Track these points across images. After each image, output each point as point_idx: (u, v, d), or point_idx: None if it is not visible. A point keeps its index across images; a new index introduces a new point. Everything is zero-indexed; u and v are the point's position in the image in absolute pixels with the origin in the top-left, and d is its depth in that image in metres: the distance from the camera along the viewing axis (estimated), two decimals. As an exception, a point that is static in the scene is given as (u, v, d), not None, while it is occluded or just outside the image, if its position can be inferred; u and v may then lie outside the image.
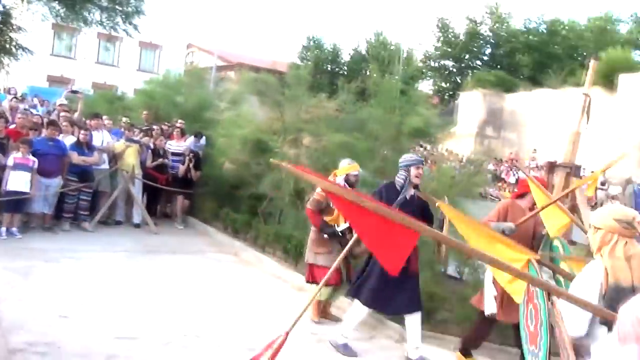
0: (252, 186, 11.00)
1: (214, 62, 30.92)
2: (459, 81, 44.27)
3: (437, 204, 5.44)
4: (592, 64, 16.85)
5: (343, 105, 10.31)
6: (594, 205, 24.95)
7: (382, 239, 3.27)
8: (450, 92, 45.36)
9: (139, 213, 11.85)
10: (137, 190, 11.89)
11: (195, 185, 12.64)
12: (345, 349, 6.07)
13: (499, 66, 43.19)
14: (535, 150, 30.90)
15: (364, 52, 46.16)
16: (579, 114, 16.11)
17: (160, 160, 12.28)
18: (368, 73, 10.10)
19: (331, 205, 6.72)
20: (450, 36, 46.23)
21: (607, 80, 27.07)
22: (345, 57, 48.65)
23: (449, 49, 46.09)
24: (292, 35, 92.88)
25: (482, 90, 34.60)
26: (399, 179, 6.23)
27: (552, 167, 15.69)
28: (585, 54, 39.29)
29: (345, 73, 43.20)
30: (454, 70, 47.28)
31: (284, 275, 9.07)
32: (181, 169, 12.34)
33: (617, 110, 26.64)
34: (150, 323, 6.34)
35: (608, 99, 27.02)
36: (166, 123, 14.20)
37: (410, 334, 6.07)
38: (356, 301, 6.16)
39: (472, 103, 34.75)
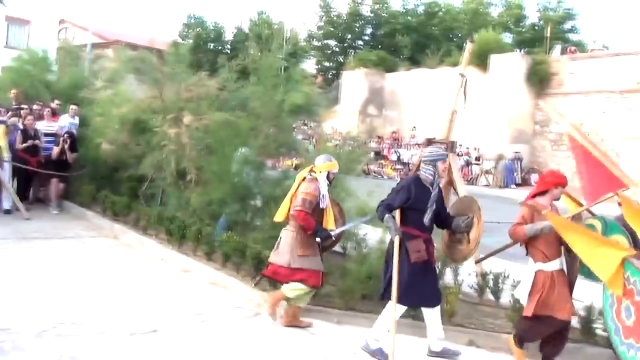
0: (132, 167, 10.68)
1: (89, 39, 29.46)
2: (342, 60, 44.90)
3: (543, 212, 5.51)
4: (469, 46, 17.71)
5: (225, 83, 10.18)
6: (469, 180, 26.43)
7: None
8: (334, 71, 45.96)
9: (8, 198, 11.19)
10: (6, 174, 11.23)
11: (71, 168, 12.10)
12: (382, 354, 5.77)
13: (380, 46, 44.31)
14: (414, 127, 32.08)
15: (247, 30, 45.71)
16: (455, 93, 16.93)
17: (31, 141, 11.61)
18: (251, 51, 9.89)
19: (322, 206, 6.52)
20: (333, 16, 46.73)
21: (480, 60, 28.49)
22: (229, 35, 48.03)
23: (332, 29, 46.63)
24: (171, 13, 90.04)
25: (364, 69, 35.33)
26: (426, 174, 5.95)
27: (429, 143, 16.49)
28: (460, 35, 41.10)
29: (229, 52, 42.63)
30: (337, 49, 47.91)
31: (168, 257, 8.92)
32: (55, 150, 11.75)
33: (489, 88, 28.16)
34: (23, 313, 6.05)
35: (481, 78, 28.49)
36: (39, 103, 13.44)
37: (432, 325, 6.00)
38: (389, 303, 5.83)
39: (354, 82, 35.42)
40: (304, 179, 6.62)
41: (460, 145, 25.55)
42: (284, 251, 6.44)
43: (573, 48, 32.42)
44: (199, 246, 8.69)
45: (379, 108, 35.71)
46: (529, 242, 5.79)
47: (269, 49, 9.27)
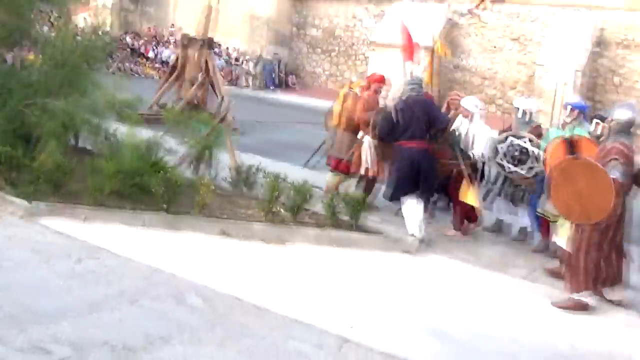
0: None
1: None
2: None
3: None
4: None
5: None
6: (230, 80, 26.46)
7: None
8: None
9: None
10: None
11: None
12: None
13: None
14: (173, 25, 30.90)
15: None
16: (213, -13, 16.38)
17: None
18: None
19: None
20: None
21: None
22: None
23: None
24: None
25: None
26: None
27: (188, 41, 16.11)
28: None
29: None
30: None
31: None
32: None
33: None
34: None
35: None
36: None
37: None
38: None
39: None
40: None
41: (220, 45, 25.32)
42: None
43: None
44: None
45: (135, 2, 33.56)
46: None
47: None
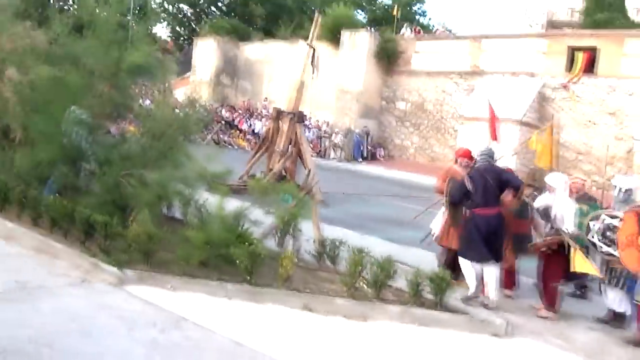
0: (-53, 125, 9.64)
1: None
2: (195, 27, 43.70)
3: None
4: (317, 17, 17.88)
5: (55, 36, 9.43)
6: (318, 152, 26.96)
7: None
8: (186, 38, 44.64)
9: None
10: None
11: None
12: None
13: (233, 14, 43.60)
14: (266, 98, 32.07)
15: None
16: (303, 65, 17.04)
17: None
18: (88, 6, 9.13)
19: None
20: (186, -20, 45.26)
21: (333, 35, 28.98)
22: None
23: (185, -7, 45.20)
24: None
25: (218, 37, 34.64)
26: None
27: (279, 114, 16.59)
28: (313, 8, 41.42)
29: (70, 9, 39.84)
30: (191, 15, 46.53)
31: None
32: None
33: (340, 64, 28.75)
34: None
35: (333, 53, 29.00)
36: None
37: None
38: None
39: (207, 50, 34.68)
40: None
41: (311, 117, 25.96)
42: None
43: (418, 29, 33.96)
44: (24, 211, 8.05)
45: (231, 77, 35.28)
46: None
47: (106, 3, 8.71)
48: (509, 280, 8.13)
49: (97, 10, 9.54)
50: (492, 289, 7.33)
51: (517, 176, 8.01)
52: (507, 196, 7.54)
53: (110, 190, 7.74)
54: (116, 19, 8.88)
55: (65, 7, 40.14)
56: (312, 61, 16.08)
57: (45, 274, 6.47)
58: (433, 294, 6.76)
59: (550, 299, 7.43)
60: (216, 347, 5.22)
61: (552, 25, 39.13)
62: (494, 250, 7.35)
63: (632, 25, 28.66)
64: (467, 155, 8.54)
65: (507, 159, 8.56)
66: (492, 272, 7.36)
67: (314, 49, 16.11)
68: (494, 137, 8.99)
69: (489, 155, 7.85)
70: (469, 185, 7.50)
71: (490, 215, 7.41)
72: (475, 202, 7.49)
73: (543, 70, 23.84)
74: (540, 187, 8.85)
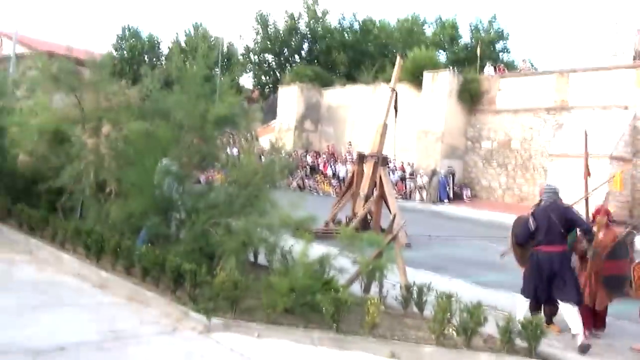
0: (51, 180, 10.24)
1: (12, 47, 28.44)
2: (279, 75, 44.86)
3: None
4: (398, 60, 17.92)
5: (147, 92, 9.92)
6: (403, 195, 26.74)
7: None
8: (271, 86, 45.86)
9: None
10: None
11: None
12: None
13: (316, 62, 44.54)
14: (350, 142, 32.28)
15: (182, 44, 45.17)
16: (385, 107, 17.06)
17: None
18: (177, 62, 9.62)
19: None
20: (270, 31, 46.74)
21: (415, 77, 29.00)
22: (165, 48, 47.30)
23: (269, 43, 46.62)
24: (107, 24, 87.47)
25: (301, 84, 35.39)
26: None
27: (362, 158, 16.60)
28: (395, 52, 41.75)
29: (164, 64, 41.94)
30: (274, 64, 47.86)
31: (84, 272, 8.54)
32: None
33: (423, 105, 28.65)
34: None
35: (415, 95, 28.97)
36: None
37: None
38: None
39: (291, 97, 35.43)
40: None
41: (394, 160, 25.84)
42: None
43: (502, 67, 33.42)
44: (118, 260, 8.38)
45: (315, 123, 35.82)
46: None
47: (194, 58, 9.09)
48: (599, 321, 7.79)
49: (186, 65, 9.96)
50: (574, 328, 7.07)
51: (580, 216, 7.86)
52: (580, 243, 7.62)
53: (197, 238, 7.94)
54: (203, 72, 9.23)
55: (157, 63, 42.41)
56: (394, 104, 16.07)
57: (137, 323, 6.66)
58: (526, 341, 6.46)
59: None
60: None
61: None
62: (558, 288, 7.23)
63: None
64: (606, 213, 8.22)
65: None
66: (565, 310, 7.19)
67: (395, 92, 16.12)
68: (589, 173, 8.57)
69: (554, 192, 7.71)
70: (532, 225, 7.44)
71: (553, 253, 7.30)
72: (538, 240, 7.42)
73: (636, 102, 22.81)
74: (637, 225, 8.39)
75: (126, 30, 46.76)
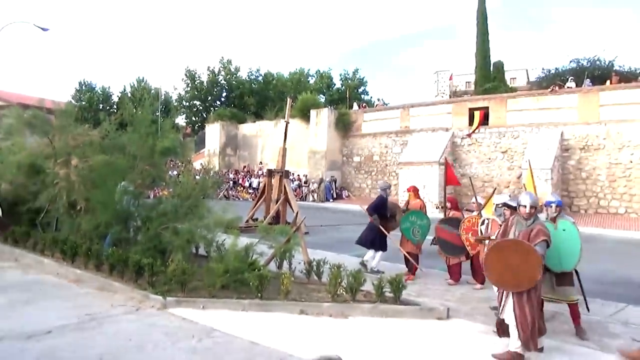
0: (30, 202, 9.47)
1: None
2: (205, 116, 43.85)
3: None
4: (289, 101, 18.03)
5: (106, 133, 9.41)
6: (300, 197, 26.86)
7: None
8: (199, 124, 44.73)
9: None
10: None
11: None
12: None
13: (233, 105, 43.96)
14: (261, 162, 32.13)
15: (129, 94, 43.06)
16: (282, 136, 17.06)
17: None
18: (128, 110, 9.17)
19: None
20: (196, 83, 45.59)
21: (304, 114, 29.33)
22: (115, 98, 44.86)
23: (196, 92, 45.47)
24: (62, 77, 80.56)
25: (222, 122, 34.77)
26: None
27: (270, 173, 16.52)
28: (288, 96, 41.88)
29: (115, 111, 39.74)
30: (201, 108, 46.74)
31: (62, 271, 7.96)
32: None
33: (311, 134, 29.05)
34: None
35: (305, 127, 29.31)
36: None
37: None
38: None
39: (215, 132, 34.72)
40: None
41: (293, 173, 25.96)
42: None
43: (364, 104, 34.55)
44: (90, 260, 7.89)
45: (234, 149, 35.29)
46: None
47: (142, 106, 8.74)
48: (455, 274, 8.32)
49: (135, 112, 9.57)
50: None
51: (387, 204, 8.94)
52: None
53: (152, 239, 7.63)
54: (149, 117, 8.90)
55: (112, 110, 40.18)
56: (284, 132, 16.07)
57: (108, 307, 6.32)
58: (392, 292, 6.71)
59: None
60: (239, 347, 5.11)
61: (455, 94, 40.22)
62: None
63: (510, 90, 29.60)
64: (412, 189, 9.25)
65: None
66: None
67: (288, 123, 16.21)
68: (452, 182, 9.33)
69: (382, 188, 9.02)
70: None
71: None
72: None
73: (452, 125, 24.34)
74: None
75: (82, 85, 44.00)
